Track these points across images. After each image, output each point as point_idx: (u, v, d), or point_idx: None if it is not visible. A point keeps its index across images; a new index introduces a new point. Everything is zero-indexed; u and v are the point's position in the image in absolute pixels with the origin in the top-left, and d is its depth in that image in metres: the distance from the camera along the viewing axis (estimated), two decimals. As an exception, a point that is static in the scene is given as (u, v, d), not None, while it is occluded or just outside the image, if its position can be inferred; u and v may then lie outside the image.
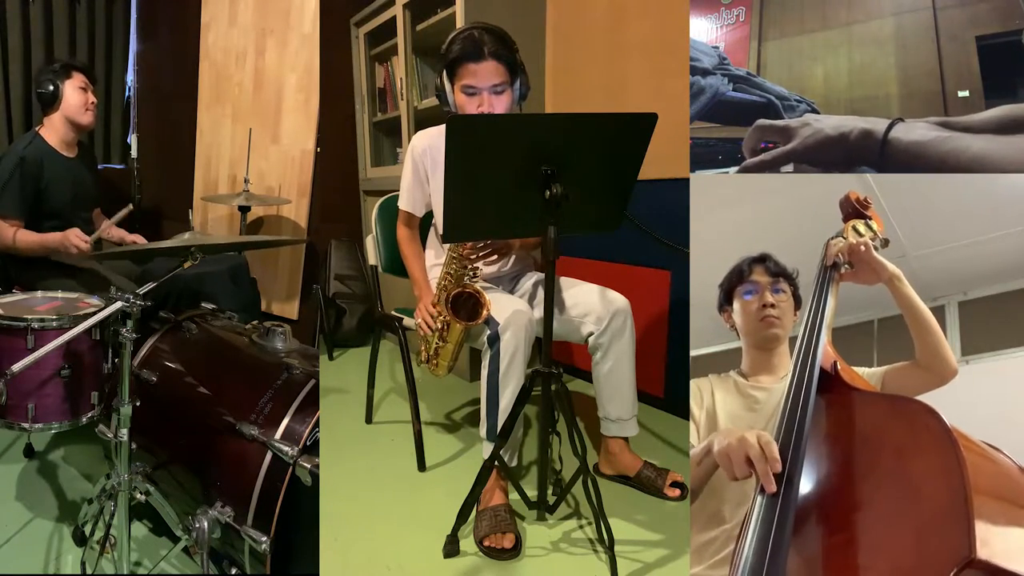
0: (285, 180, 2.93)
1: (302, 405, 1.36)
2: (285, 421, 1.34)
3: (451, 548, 1.55)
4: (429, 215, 2.00)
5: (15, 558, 1.55)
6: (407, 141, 3.11)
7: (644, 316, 2.32)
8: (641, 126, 1.33)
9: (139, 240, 2.34)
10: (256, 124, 2.92)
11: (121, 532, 1.35)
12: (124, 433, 1.33)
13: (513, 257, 1.94)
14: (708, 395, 1.34)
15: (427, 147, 1.89)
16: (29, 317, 1.38)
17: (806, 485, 0.83)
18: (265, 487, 1.30)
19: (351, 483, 1.90)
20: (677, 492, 1.79)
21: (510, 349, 1.63)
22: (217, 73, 3.16)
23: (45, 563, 1.53)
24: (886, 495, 0.75)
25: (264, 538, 1.27)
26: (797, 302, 1.39)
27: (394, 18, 3.05)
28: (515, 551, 1.54)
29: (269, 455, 1.30)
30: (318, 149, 2.83)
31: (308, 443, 1.31)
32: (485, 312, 1.67)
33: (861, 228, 1.27)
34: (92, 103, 2.19)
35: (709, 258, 1.76)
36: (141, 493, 1.38)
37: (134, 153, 3.35)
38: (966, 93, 1.59)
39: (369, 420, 2.36)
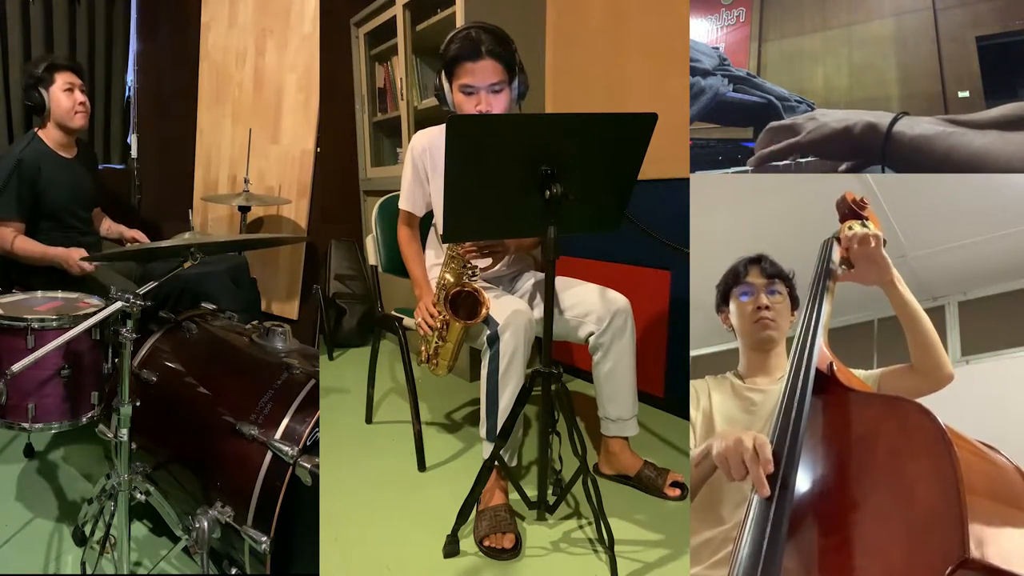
0: (285, 180, 2.93)
1: (302, 405, 1.36)
2: (285, 421, 1.34)
3: (451, 548, 1.55)
4: (429, 215, 2.00)
5: (15, 558, 1.55)
6: (407, 141, 3.11)
7: (644, 316, 2.32)
8: (641, 126, 1.33)
9: (139, 235, 2.33)
10: (256, 124, 2.92)
11: (121, 532, 1.35)
12: (124, 433, 1.33)
13: (512, 257, 1.94)
14: (705, 397, 1.34)
15: (427, 147, 1.89)
16: (29, 317, 1.38)
17: (802, 486, 0.83)
18: (265, 487, 1.30)
19: (351, 483, 1.90)
20: (677, 492, 1.79)
21: (510, 349, 1.63)
22: (217, 73, 3.16)
23: (45, 563, 1.53)
24: (880, 496, 0.75)
25: (264, 538, 1.27)
26: (794, 303, 1.39)
27: (394, 18, 3.05)
28: (515, 551, 1.54)
29: (269, 455, 1.31)
30: (318, 149, 2.83)
31: (308, 443, 1.31)
32: (484, 311, 1.67)
33: (857, 228, 1.27)
34: (81, 104, 2.14)
35: (709, 258, 1.76)
36: (141, 493, 1.38)
37: (134, 153, 3.35)
38: (966, 94, 1.59)
39: (369, 420, 2.36)
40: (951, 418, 0.78)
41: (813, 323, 1.07)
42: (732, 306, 1.40)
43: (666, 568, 1.50)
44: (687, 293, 2.21)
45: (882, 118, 1.32)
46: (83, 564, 1.44)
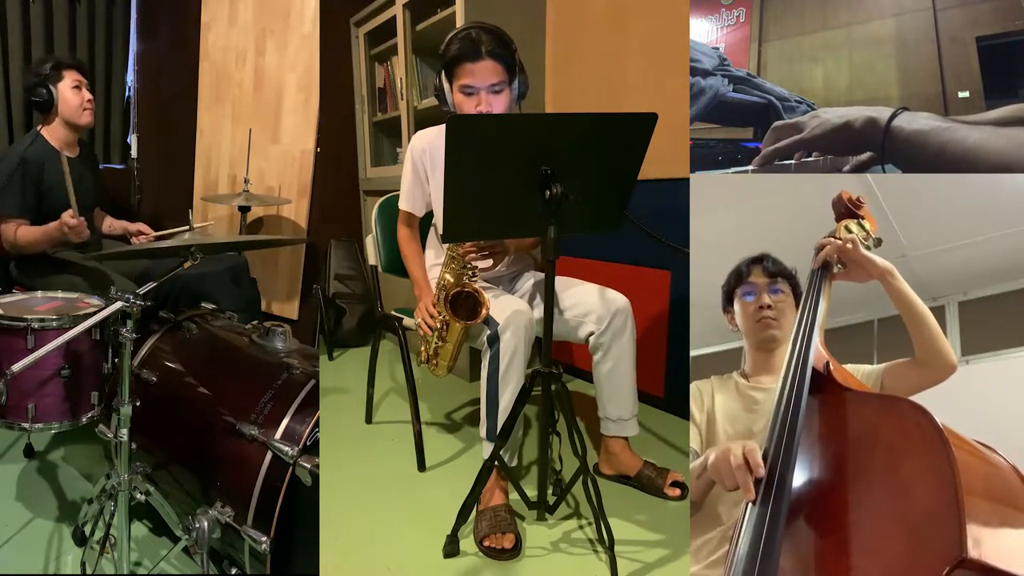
0: (285, 180, 2.93)
1: (302, 405, 1.36)
2: (285, 421, 1.34)
3: (451, 548, 1.55)
4: (429, 215, 2.00)
5: (15, 558, 1.55)
6: (407, 141, 3.11)
7: (644, 316, 2.32)
8: (641, 126, 1.33)
9: (144, 228, 2.33)
10: (256, 124, 2.92)
11: (121, 532, 1.35)
12: (124, 433, 1.33)
13: (511, 257, 1.94)
14: (708, 398, 1.34)
15: (426, 147, 1.89)
16: (29, 317, 1.38)
17: (799, 486, 0.83)
18: (265, 487, 1.30)
19: (351, 483, 1.90)
20: (677, 492, 1.79)
21: (510, 349, 1.63)
22: (217, 73, 3.16)
23: (45, 563, 1.53)
24: (878, 495, 0.75)
25: (264, 538, 1.27)
26: (798, 301, 1.39)
27: (394, 18, 3.05)
28: (515, 551, 1.54)
29: (269, 455, 1.31)
30: (318, 149, 2.83)
31: (308, 443, 1.31)
32: (484, 311, 1.67)
33: (853, 227, 1.27)
34: (89, 101, 2.17)
35: (709, 258, 1.76)
36: (141, 493, 1.38)
37: (134, 153, 3.35)
38: (966, 94, 1.59)
39: (369, 420, 2.36)
40: (951, 418, 0.78)
41: (809, 323, 1.07)
42: (736, 306, 1.41)
43: (666, 568, 1.50)
44: (687, 293, 2.21)
45: (882, 113, 1.34)
46: (83, 564, 1.44)
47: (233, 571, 1.40)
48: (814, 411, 0.92)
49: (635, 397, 1.82)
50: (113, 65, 3.26)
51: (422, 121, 3.08)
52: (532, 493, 1.63)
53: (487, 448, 1.67)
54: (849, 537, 0.74)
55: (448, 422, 2.40)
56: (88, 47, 3.11)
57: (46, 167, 2.10)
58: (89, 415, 1.45)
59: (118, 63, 3.29)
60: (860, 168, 1.40)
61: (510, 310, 1.66)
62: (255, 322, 1.72)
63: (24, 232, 2.06)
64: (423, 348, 1.85)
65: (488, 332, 1.66)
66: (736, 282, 1.41)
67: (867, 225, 1.29)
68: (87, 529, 1.55)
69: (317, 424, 1.33)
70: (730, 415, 1.29)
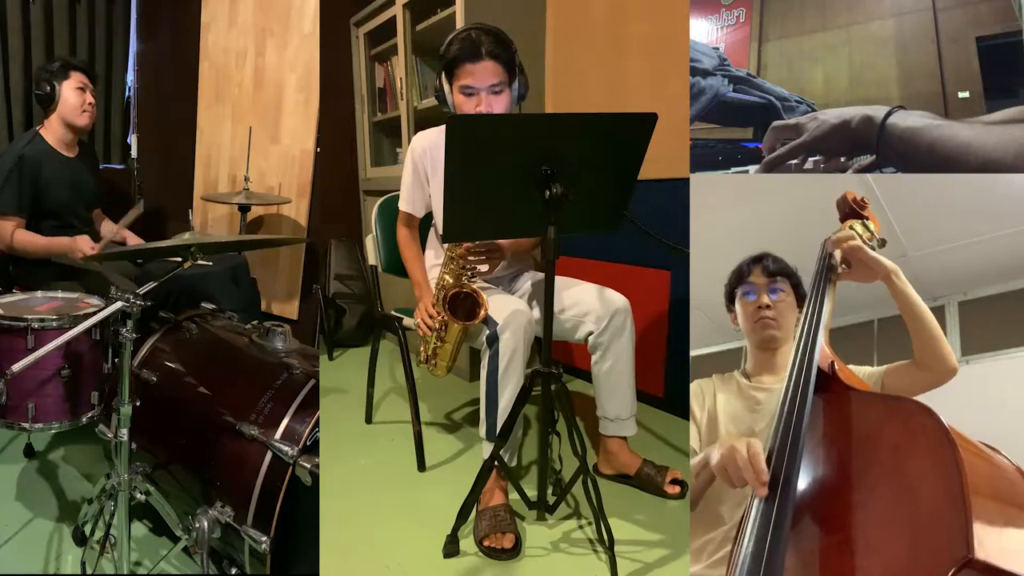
0: (285, 180, 2.93)
1: (302, 405, 1.36)
2: (285, 421, 1.34)
3: (451, 548, 1.55)
4: (429, 215, 2.00)
5: (15, 558, 1.55)
6: (407, 141, 3.12)
7: (644, 316, 2.32)
8: (641, 126, 1.33)
9: (130, 236, 2.33)
10: (256, 124, 2.92)
11: (121, 532, 1.35)
12: (124, 433, 1.33)
13: (507, 261, 1.94)
14: (710, 396, 1.34)
15: (427, 148, 1.89)
16: (29, 317, 1.38)
17: (803, 485, 0.83)
18: (265, 487, 1.30)
19: (351, 483, 1.90)
20: (677, 489, 1.79)
21: (509, 349, 1.63)
22: (217, 73, 3.16)
23: (45, 563, 1.53)
24: (883, 495, 0.75)
25: (264, 538, 1.27)
26: (800, 300, 1.38)
27: (394, 18, 3.05)
28: (515, 551, 1.54)
29: (269, 455, 1.31)
30: (318, 149, 2.83)
31: (308, 443, 1.31)
32: (483, 312, 1.67)
33: (858, 228, 1.27)
34: (90, 104, 2.18)
35: (709, 258, 1.76)
36: (141, 493, 1.38)
37: (134, 153, 3.35)
38: (966, 94, 1.59)
39: (369, 420, 2.36)
40: (951, 418, 0.78)
41: (814, 323, 1.07)
42: (737, 305, 1.41)
43: (666, 568, 1.50)
44: (687, 293, 2.21)
45: (878, 111, 1.35)
46: (83, 564, 1.44)
47: (233, 571, 1.40)
48: (819, 411, 0.92)
49: (634, 397, 1.82)
50: (113, 65, 3.26)
51: (422, 121, 3.08)
52: (532, 493, 1.63)
53: (487, 448, 1.67)
54: (854, 537, 0.74)
55: (448, 422, 2.40)
56: (88, 47, 3.11)
57: (44, 166, 2.10)
58: (89, 415, 1.45)
59: (118, 63, 3.29)
60: (863, 171, 1.40)
61: (509, 310, 1.66)
62: (255, 322, 1.72)
63: (22, 236, 2.05)
64: (422, 348, 1.85)
65: (487, 332, 1.66)
66: (737, 282, 1.41)
67: (871, 226, 1.29)
68: (87, 529, 1.55)
69: (317, 424, 1.33)
70: (732, 414, 1.29)
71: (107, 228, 2.42)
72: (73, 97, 2.14)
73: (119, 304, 1.31)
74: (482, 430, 1.70)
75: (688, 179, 1.83)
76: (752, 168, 1.76)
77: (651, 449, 2.06)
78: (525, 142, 1.30)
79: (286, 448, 1.29)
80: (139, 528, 1.62)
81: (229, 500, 1.33)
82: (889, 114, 1.33)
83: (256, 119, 2.96)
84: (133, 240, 2.32)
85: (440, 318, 1.74)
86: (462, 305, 1.71)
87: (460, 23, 2.55)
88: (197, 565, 1.35)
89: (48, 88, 2.12)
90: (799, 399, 0.89)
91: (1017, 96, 1.52)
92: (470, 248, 1.73)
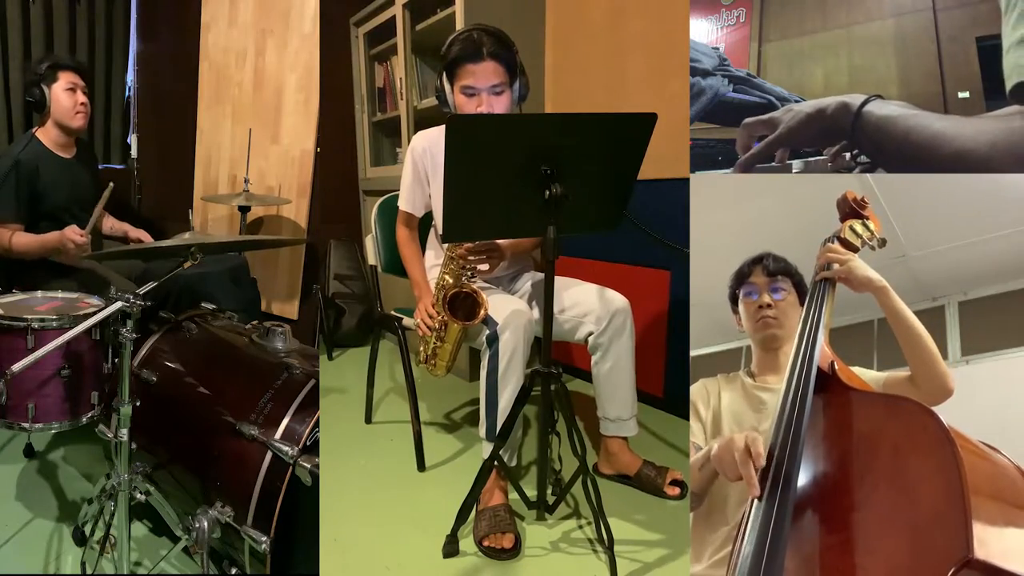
0: (285, 180, 2.93)
1: (302, 405, 1.36)
2: (285, 421, 1.34)
3: (451, 548, 1.55)
4: (429, 215, 2.00)
5: (15, 558, 1.55)
6: (407, 141, 3.12)
7: (644, 316, 2.32)
8: (641, 126, 1.33)
9: (144, 236, 2.33)
10: (256, 124, 2.92)
11: (121, 532, 1.35)
12: (124, 433, 1.33)
13: (507, 262, 1.94)
14: (715, 396, 1.34)
15: (427, 147, 1.89)
16: (29, 317, 1.38)
17: (804, 485, 0.83)
18: (265, 487, 1.30)
19: (351, 483, 1.90)
20: (677, 490, 1.79)
21: (509, 349, 1.63)
22: (217, 73, 3.16)
23: (45, 563, 1.53)
24: (883, 495, 0.75)
25: (264, 538, 1.27)
26: (803, 299, 1.38)
27: (394, 18, 3.05)
28: (515, 551, 1.54)
29: (269, 455, 1.31)
30: (318, 149, 2.83)
31: (308, 443, 1.31)
32: (482, 312, 1.67)
33: (858, 228, 1.27)
34: (82, 104, 2.13)
35: (709, 258, 1.76)
36: (141, 493, 1.38)
37: (134, 153, 3.35)
38: (966, 94, 1.59)
39: (369, 420, 2.36)
40: (952, 418, 0.78)
41: (814, 322, 1.07)
42: (740, 306, 1.41)
43: (666, 568, 1.50)
44: (687, 293, 2.21)
45: (855, 99, 1.34)
46: (83, 564, 1.44)
47: (233, 571, 1.40)
48: (819, 410, 0.92)
49: (634, 397, 1.82)
50: (113, 65, 3.26)
51: (422, 121, 3.08)
52: (532, 493, 1.63)
53: (486, 448, 1.67)
54: (854, 537, 0.74)
55: (448, 422, 2.40)
56: (88, 47, 3.11)
57: (41, 169, 2.09)
58: (89, 415, 1.45)
59: (118, 63, 3.29)
60: (849, 167, 1.40)
61: (509, 310, 1.66)
62: (255, 322, 1.72)
63: (19, 239, 2.04)
64: (422, 348, 1.85)
65: (487, 332, 1.66)
66: (738, 283, 1.41)
67: (871, 225, 1.29)
68: (87, 529, 1.55)
69: (317, 424, 1.33)
70: (736, 414, 1.29)
71: (108, 224, 2.42)
72: (64, 99, 2.10)
73: (119, 304, 1.31)
74: (482, 430, 1.70)
75: (688, 179, 1.83)
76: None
77: (651, 449, 2.06)
78: (525, 142, 1.30)
79: (286, 448, 1.29)
80: (139, 528, 1.62)
81: (229, 500, 1.33)
82: (866, 102, 1.33)
83: (256, 119, 2.96)
84: (134, 234, 2.32)
85: (440, 318, 1.74)
86: (462, 305, 1.71)
87: (460, 23, 2.55)
88: (197, 565, 1.35)
89: (38, 93, 2.09)
90: (799, 399, 0.89)
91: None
92: (470, 248, 1.73)
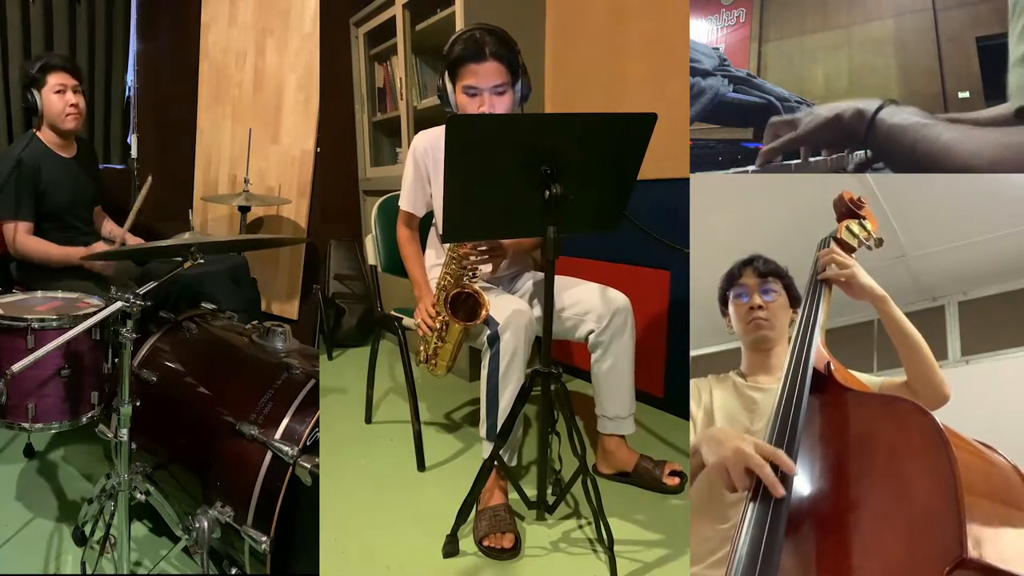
0: (285, 180, 2.93)
1: (302, 405, 1.36)
2: (285, 421, 1.34)
3: (451, 548, 1.55)
4: (429, 215, 2.00)
5: (15, 558, 1.55)
6: (407, 141, 3.12)
7: (644, 316, 2.32)
8: (641, 126, 1.33)
9: (129, 237, 2.33)
10: (256, 124, 2.92)
11: (121, 532, 1.35)
12: (124, 433, 1.33)
13: (508, 261, 1.94)
14: (707, 394, 1.34)
15: (428, 147, 1.89)
16: (29, 317, 1.38)
17: (800, 486, 0.82)
18: (265, 487, 1.30)
19: (351, 483, 1.90)
20: (676, 480, 1.79)
21: (510, 349, 1.63)
22: (217, 73, 3.16)
23: (45, 563, 1.53)
24: (879, 496, 0.75)
25: (264, 538, 1.27)
26: (793, 301, 1.39)
27: (393, 18, 3.05)
28: (514, 551, 1.54)
29: (269, 455, 1.31)
30: (318, 149, 2.83)
31: (308, 443, 1.31)
32: (484, 312, 1.67)
33: (855, 228, 1.27)
34: (72, 106, 2.10)
35: (709, 258, 1.76)
36: (141, 493, 1.38)
37: (134, 153, 3.35)
38: (966, 94, 1.59)
39: (369, 420, 2.36)
40: (951, 418, 0.78)
41: (810, 323, 1.07)
42: (730, 308, 1.41)
43: (666, 568, 1.50)
44: (687, 293, 2.21)
45: (870, 105, 1.35)
46: (83, 564, 1.44)
47: (233, 571, 1.40)
48: (815, 411, 0.92)
49: (633, 396, 1.82)
50: (113, 65, 3.26)
51: (422, 121, 3.08)
52: (531, 493, 1.63)
53: (487, 448, 1.67)
54: (850, 537, 0.74)
55: (448, 422, 2.40)
56: (88, 47, 3.11)
57: (43, 168, 2.09)
58: (89, 415, 1.45)
59: (118, 63, 3.29)
60: (861, 168, 1.40)
61: (510, 310, 1.66)
62: (255, 322, 1.72)
63: (24, 240, 2.04)
64: (422, 348, 1.85)
65: (488, 332, 1.66)
66: (729, 284, 1.41)
67: (868, 225, 1.28)
68: (87, 529, 1.55)
69: (317, 424, 1.33)
70: (728, 414, 1.29)
71: (107, 227, 2.42)
72: (55, 103, 2.08)
73: (119, 304, 1.31)
74: (482, 430, 1.70)
75: (688, 179, 1.83)
76: (752, 168, 1.76)
77: (651, 449, 2.06)
78: (525, 142, 1.30)
79: (286, 448, 1.29)
80: (139, 528, 1.62)
81: (229, 500, 1.33)
82: (880, 108, 1.33)
83: (256, 119, 2.96)
84: (132, 241, 2.31)
85: (441, 318, 1.74)
86: (463, 305, 1.71)
87: (460, 23, 2.55)
88: (197, 565, 1.35)
89: (30, 98, 2.08)
90: (795, 400, 0.89)
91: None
92: (473, 248, 1.73)
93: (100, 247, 2.04)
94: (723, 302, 1.44)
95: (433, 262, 1.99)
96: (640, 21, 2.37)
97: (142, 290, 1.36)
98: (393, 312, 2.15)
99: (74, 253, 2.04)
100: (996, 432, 0.91)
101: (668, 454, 2.06)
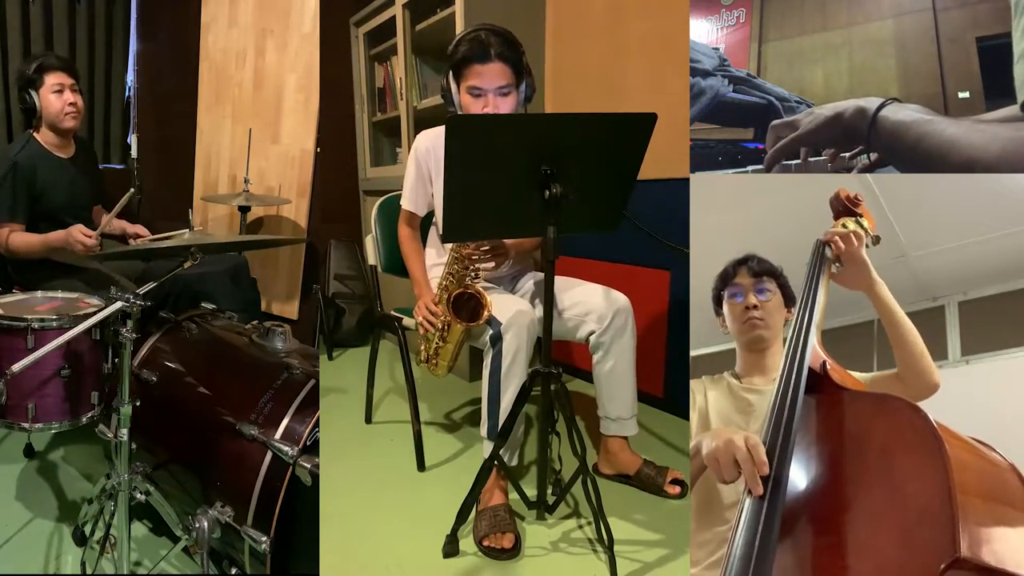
0: (285, 180, 2.93)
1: (302, 405, 1.36)
2: (285, 421, 1.34)
3: (451, 548, 1.55)
4: (430, 214, 2.00)
5: (15, 558, 1.55)
6: (407, 141, 3.12)
7: (644, 316, 2.32)
8: (641, 126, 1.33)
9: (141, 231, 2.33)
10: (256, 124, 2.92)
11: (121, 532, 1.35)
12: (124, 433, 1.33)
13: (511, 260, 1.94)
14: (700, 396, 1.34)
15: (431, 147, 1.89)
16: (29, 317, 1.37)
17: (796, 486, 0.82)
18: (265, 487, 1.30)
19: (351, 483, 1.90)
20: (677, 489, 1.79)
21: (512, 349, 1.63)
22: (217, 73, 3.16)
23: (45, 563, 1.53)
24: (873, 495, 0.75)
25: (264, 538, 1.27)
26: (788, 300, 1.38)
27: (393, 18, 3.05)
28: (514, 551, 1.54)
29: (269, 455, 1.31)
30: (318, 149, 2.83)
31: (308, 443, 1.31)
32: (486, 313, 1.67)
33: (851, 226, 1.26)
34: (71, 105, 2.10)
35: (709, 258, 1.75)
36: (141, 493, 1.38)
37: (134, 153, 3.35)
38: (966, 94, 1.59)
39: (369, 420, 2.36)
40: (951, 418, 0.78)
41: (806, 322, 1.06)
42: (724, 308, 1.40)
43: (666, 568, 1.50)
44: (687, 293, 2.21)
45: (872, 103, 1.35)
46: (83, 564, 1.44)
47: (233, 571, 1.40)
48: (811, 410, 0.91)
49: (635, 396, 1.82)
50: (113, 65, 3.26)
51: (422, 121, 3.08)
52: (532, 493, 1.63)
53: (488, 447, 1.66)
54: (845, 537, 0.73)
55: (448, 422, 2.40)
56: (88, 47, 3.11)
57: (39, 170, 2.08)
58: (89, 415, 1.45)
59: (118, 63, 3.29)
60: (866, 170, 1.40)
61: (513, 310, 1.66)
62: (255, 322, 1.72)
63: (21, 239, 2.04)
64: (423, 347, 1.85)
65: (491, 332, 1.66)
66: (723, 285, 1.41)
67: (865, 223, 1.28)
68: (87, 529, 1.55)
69: (317, 424, 1.33)
70: (723, 415, 1.28)
71: (103, 220, 2.41)
72: (54, 102, 2.08)
73: (119, 304, 1.31)
74: (483, 429, 1.70)
75: (688, 179, 1.83)
76: (752, 168, 1.76)
77: (651, 449, 2.06)
78: (525, 142, 1.30)
79: (286, 448, 1.29)
80: (139, 528, 1.62)
81: (229, 500, 1.33)
82: (882, 106, 1.33)
83: (256, 119, 2.96)
84: (132, 229, 2.31)
85: (443, 318, 1.74)
86: (465, 306, 1.71)
87: (460, 23, 2.56)
88: (197, 565, 1.35)
89: (28, 99, 2.08)
90: (790, 400, 0.89)
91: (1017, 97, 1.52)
92: (476, 248, 1.73)
93: (79, 228, 1.98)
94: (717, 302, 1.43)
95: (434, 261, 1.99)
96: (640, 21, 2.37)
97: (142, 290, 1.36)
98: (393, 312, 2.15)
99: (54, 238, 2.01)
100: (996, 432, 0.91)
101: (668, 454, 2.06)
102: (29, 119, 2.20)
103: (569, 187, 1.30)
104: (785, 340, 1.07)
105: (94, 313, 1.31)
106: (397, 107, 3.20)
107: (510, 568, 1.51)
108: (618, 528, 1.57)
